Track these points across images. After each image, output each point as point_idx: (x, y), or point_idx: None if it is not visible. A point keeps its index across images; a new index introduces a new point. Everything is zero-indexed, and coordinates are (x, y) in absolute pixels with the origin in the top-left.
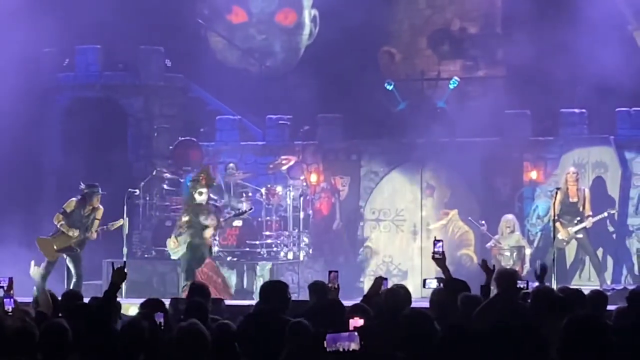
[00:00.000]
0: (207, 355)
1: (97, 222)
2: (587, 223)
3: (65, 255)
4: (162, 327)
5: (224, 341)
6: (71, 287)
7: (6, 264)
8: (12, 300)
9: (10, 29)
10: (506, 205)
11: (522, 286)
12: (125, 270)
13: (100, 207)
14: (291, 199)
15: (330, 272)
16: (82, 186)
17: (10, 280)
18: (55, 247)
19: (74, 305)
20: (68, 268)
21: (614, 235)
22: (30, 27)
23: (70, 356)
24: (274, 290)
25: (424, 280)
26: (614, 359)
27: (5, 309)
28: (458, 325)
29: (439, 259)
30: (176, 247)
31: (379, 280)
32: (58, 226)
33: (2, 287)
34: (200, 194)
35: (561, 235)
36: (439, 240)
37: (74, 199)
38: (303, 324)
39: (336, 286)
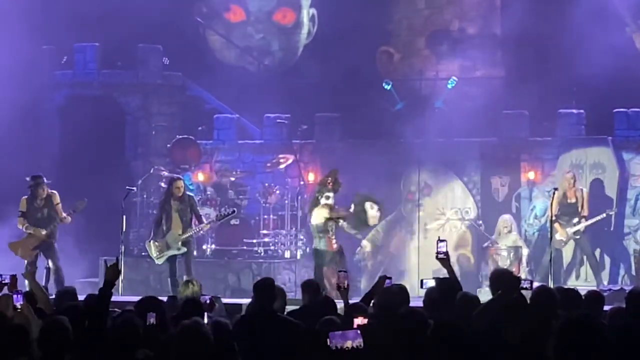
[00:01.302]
0: (209, 353)
1: (59, 207)
2: (583, 225)
3: (41, 253)
4: (155, 326)
5: (221, 339)
6: (52, 281)
7: (4, 262)
8: (20, 296)
9: (8, 26)
10: (503, 205)
11: (525, 286)
12: (119, 267)
13: (53, 192)
14: (289, 197)
15: (339, 271)
16: (28, 179)
17: (14, 277)
18: (29, 247)
19: (68, 304)
20: (48, 265)
21: (612, 236)
22: (28, 24)
23: (67, 354)
24: (264, 287)
25: (421, 281)
26: (609, 358)
27: (15, 304)
28: (447, 323)
29: (443, 259)
30: (158, 252)
31: (383, 279)
32: (24, 230)
33: (6, 284)
34: (327, 198)
35: (560, 235)
36: (442, 240)
37: (24, 197)
38: (335, 321)
39: (345, 286)
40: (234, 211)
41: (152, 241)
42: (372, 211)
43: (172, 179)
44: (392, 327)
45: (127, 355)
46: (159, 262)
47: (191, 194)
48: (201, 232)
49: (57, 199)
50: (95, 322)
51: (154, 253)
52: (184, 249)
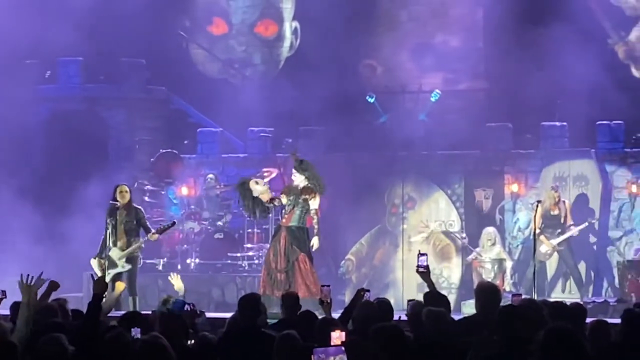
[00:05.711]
0: None
1: None
2: (568, 234)
3: None
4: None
5: (204, 354)
6: None
7: None
8: None
9: None
10: (487, 217)
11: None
12: (106, 280)
13: None
14: (273, 211)
15: (322, 286)
16: None
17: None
18: None
19: (50, 321)
20: None
21: (595, 248)
22: (11, 38)
23: None
24: (249, 302)
25: (409, 302)
26: None
27: None
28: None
29: (424, 272)
30: (101, 271)
31: (361, 293)
32: None
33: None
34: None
35: (545, 247)
36: (423, 254)
37: None
38: (292, 335)
39: (329, 301)
40: (174, 223)
41: (96, 258)
42: (257, 186)
43: (117, 185)
44: (369, 342)
45: None
46: (108, 278)
47: (139, 207)
48: (142, 246)
49: None
50: (87, 335)
51: (98, 272)
52: (129, 266)
